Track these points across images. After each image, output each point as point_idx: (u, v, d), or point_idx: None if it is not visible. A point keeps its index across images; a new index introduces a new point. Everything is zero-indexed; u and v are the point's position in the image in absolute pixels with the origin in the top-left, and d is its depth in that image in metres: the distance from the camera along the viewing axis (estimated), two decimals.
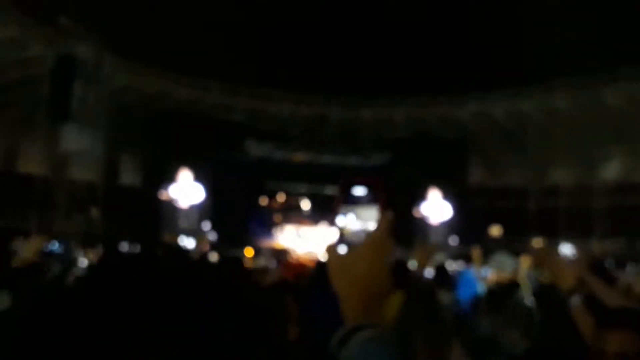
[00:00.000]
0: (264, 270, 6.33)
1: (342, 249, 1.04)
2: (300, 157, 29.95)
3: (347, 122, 31.48)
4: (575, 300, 2.36)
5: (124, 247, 11.29)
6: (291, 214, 30.48)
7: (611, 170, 27.14)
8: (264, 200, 29.52)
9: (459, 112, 29.21)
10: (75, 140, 23.33)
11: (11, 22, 23.06)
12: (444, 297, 5.84)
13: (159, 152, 26.27)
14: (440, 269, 6.36)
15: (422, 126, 30.00)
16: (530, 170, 27.75)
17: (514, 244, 22.85)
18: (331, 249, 1.05)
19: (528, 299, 7.12)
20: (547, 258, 2.62)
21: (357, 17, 32.43)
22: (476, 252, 8.21)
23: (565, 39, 23.96)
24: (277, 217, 29.88)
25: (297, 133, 30.89)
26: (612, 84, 25.12)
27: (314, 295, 4.41)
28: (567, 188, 25.73)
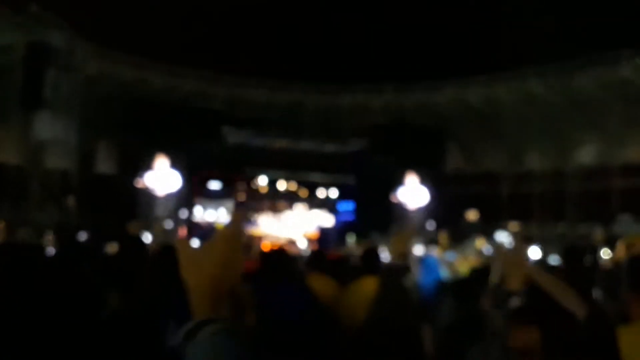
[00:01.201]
0: None
1: (195, 243, 1.05)
2: (278, 143, 29.92)
3: (325, 109, 31.50)
4: (514, 302, 2.43)
5: (82, 236, 11.20)
6: (269, 200, 30.52)
7: (585, 155, 27.46)
8: (242, 187, 29.45)
9: (435, 99, 29.34)
10: (48, 128, 23.11)
11: None
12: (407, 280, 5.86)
13: (135, 140, 26.08)
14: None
15: (399, 113, 30.10)
16: (505, 155, 28.00)
17: (489, 228, 23.15)
18: (182, 242, 1.05)
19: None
20: (498, 259, 2.69)
21: (334, 4, 32.35)
22: (442, 237, 8.28)
23: (539, 25, 24.12)
24: (256, 203, 29.89)
25: (275, 120, 30.83)
26: (586, 69, 25.35)
27: (269, 282, 4.41)
28: (542, 173, 26.03)
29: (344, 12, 31.96)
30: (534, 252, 13.51)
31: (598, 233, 20.74)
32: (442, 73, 28.44)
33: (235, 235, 1.00)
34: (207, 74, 29.79)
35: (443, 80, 28.72)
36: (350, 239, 24.70)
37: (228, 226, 1.03)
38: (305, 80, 30.56)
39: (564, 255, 5.34)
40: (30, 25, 23.29)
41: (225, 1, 31.42)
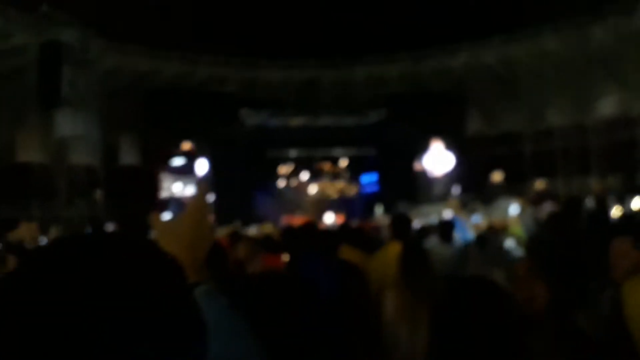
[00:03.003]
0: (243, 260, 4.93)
1: (167, 216, 1.14)
2: (296, 121, 30.00)
3: (341, 82, 31.42)
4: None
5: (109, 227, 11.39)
6: (295, 179, 30.69)
7: (605, 108, 27.10)
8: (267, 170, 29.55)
9: (450, 63, 29.10)
10: (69, 125, 23.47)
11: None
12: (446, 249, 6.04)
13: (155, 130, 26.33)
14: (444, 224, 6.55)
15: (416, 80, 29.94)
16: (525, 114, 27.77)
17: (515, 189, 23.05)
18: (156, 217, 1.13)
19: (512, 244, 7.30)
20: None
21: None
22: (453, 202, 8.44)
23: None
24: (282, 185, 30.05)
25: (292, 98, 30.87)
26: (600, 21, 24.95)
27: (300, 256, 4.49)
28: (563, 129, 25.82)
29: None
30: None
31: (593, 183, 20.70)
32: (456, 37, 28.16)
33: (201, 206, 1.10)
34: (220, 58, 29.84)
35: (457, 44, 28.44)
36: (378, 210, 24.80)
37: (194, 198, 1.12)
38: (318, 56, 30.46)
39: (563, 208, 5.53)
40: (42, 25, 23.52)
41: None
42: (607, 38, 25.79)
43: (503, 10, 26.66)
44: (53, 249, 0.75)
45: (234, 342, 1.02)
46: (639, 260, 2.65)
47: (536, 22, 25.90)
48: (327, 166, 30.17)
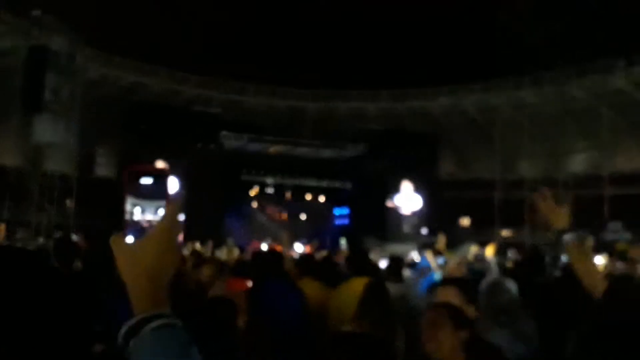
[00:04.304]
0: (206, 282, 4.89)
1: (130, 240, 1.08)
2: (275, 149, 30.18)
3: (322, 114, 31.85)
4: (568, 237, 2.53)
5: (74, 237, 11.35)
6: (268, 206, 30.86)
7: (576, 163, 27.80)
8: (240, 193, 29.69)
9: (430, 105, 29.71)
10: (48, 132, 23.37)
11: None
12: (395, 288, 5.95)
13: (134, 144, 26.28)
14: (393, 261, 6.51)
15: (395, 119, 30.49)
16: (498, 162, 28.30)
17: (482, 234, 23.39)
18: (117, 240, 1.03)
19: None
20: (540, 203, 2.80)
21: (331, 13, 32.73)
22: (441, 240, 8.47)
23: (532, 34, 24.46)
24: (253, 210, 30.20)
25: (273, 125, 31.14)
26: (578, 78, 25.71)
27: (264, 283, 4.49)
28: (534, 180, 26.28)
29: (341, 20, 32.36)
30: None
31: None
32: (437, 80, 28.83)
33: (170, 229, 1.02)
34: (206, 79, 30.15)
35: (438, 88, 29.10)
36: (342, 243, 24.96)
37: (162, 220, 1.04)
38: (302, 87, 30.94)
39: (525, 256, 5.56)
40: (31, 29, 23.62)
41: (224, 9, 31.80)
42: (584, 95, 26.58)
43: (485, 59, 27.41)
44: None
45: None
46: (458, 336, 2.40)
47: (516, 74, 26.59)
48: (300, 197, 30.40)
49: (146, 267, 0.98)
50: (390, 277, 5.71)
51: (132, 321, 0.94)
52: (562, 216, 2.60)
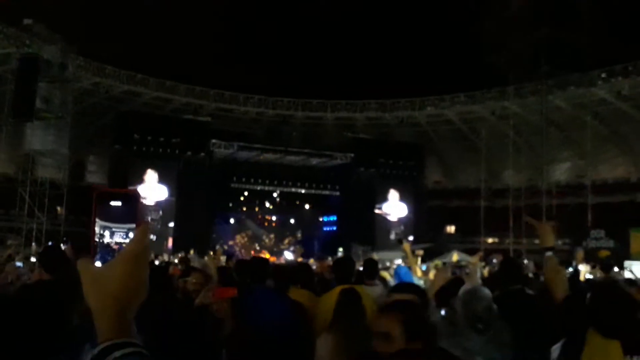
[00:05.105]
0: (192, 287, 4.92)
1: (97, 264, 1.05)
2: (264, 157, 30.47)
3: (311, 123, 32.25)
4: (549, 254, 3.16)
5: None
6: (255, 213, 31.20)
7: (560, 172, 28.24)
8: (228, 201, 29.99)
9: (416, 115, 30.15)
10: (39, 139, 23.63)
11: None
12: (371, 290, 5.95)
13: (125, 151, 26.48)
14: (368, 263, 6.64)
15: (382, 128, 30.94)
16: (483, 171, 28.63)
17: (467, 241, 23.75)
18: (84, 264, 0.99)
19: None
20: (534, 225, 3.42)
21: (320, 24, 33.18)
22: (406, 246, 8.67)
23: (516, 45, 24.85)
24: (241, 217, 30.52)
25: (262, 134, 31.47)
26: (562, 89, 26.15)
27: (250, 290, 4.45)
28: (518, 189, 26.57)
29: (330, 31, 32.80)
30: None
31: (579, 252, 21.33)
32: (424, 91, 29.32)
33: (138, 252, 0.96)
34: (196, 88, 30.48)
35: (424, 98, 29.57)
36: (341, 251, 25.26)
37: (130, 243, 0.99)
38: (292, 96, 31.36)
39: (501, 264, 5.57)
40: (24, 38, 23.88)
41: (214, 18, 32.17)
42: (566, 106, 27.05)
43: (470, 69, 27.87)
44: None
45: None
46: None
47: (500, 85, 26.96)
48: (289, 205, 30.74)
49: (112, 292, 0.93)
50: (366, 280, 5.72)
51: (96, 350, 0.89)
52: (548, 237, 3.25)
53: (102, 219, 1.09)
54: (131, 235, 1.09)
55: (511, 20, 25.23)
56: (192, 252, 12.81)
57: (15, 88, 22.84)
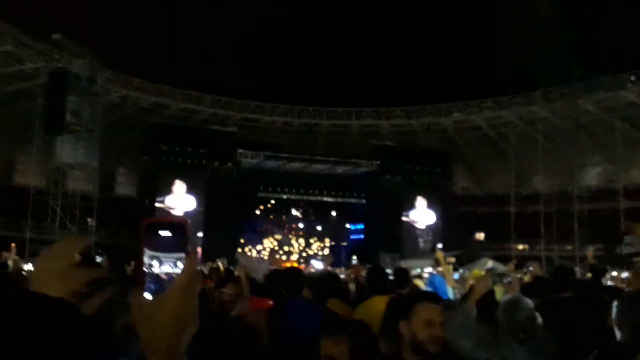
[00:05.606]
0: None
1: (148, 296, 1.03)
2: (291, 166, 30.56)
3: (336, 132, 32.25)
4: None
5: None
6: (282, 222, 31.26)
7: (590, 177, 27.84)
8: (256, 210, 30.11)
9: (442, 121, 29.97)
10: (69, 152, 23.98)
11: (6, 37, 23.61)
12: None
13: (154, 163, 26.76)
14: (399, 272, 6.55)
15: (408, 135, 30.80)
16: (512, 177, 28.36)
17: (496, 248, 23.44)
18: (135, 295, 0.99)
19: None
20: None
21: (345, 32, 33.22)
22: (439, 254, 8.53)
23: (545, 49, 24.61)
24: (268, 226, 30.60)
25: (288, 143, 31.58)
26: (591, 92, 25.80)
27: (286, 302, 4.65)
28: (548, 194, 26.21)
29: (354, 38, 32.82)
30: None
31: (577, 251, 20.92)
32: (450, 97, 29.13)
33: (189, 285, 0.96)
34: (222, 99, 30.68)
35: (451, 104, 29.38)
36: (355, 259, 25.14)
37: (181, 275, 0.98)
38: (317, 105, 31.40)
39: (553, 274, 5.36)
40: (53, 53, 24.30)
41: (239, 29, 32.39)
42: (596, 109, 26.67)
43: (496, 74, 27.64)
44: None
45: None
46: None
47: (528, 89, 26.68)
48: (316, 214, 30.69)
49: (162, 325, 0.93)
50: (398, 289, 5.63)
51: None
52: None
53: (150, 248, 1.06)
54: (180, 264, 1.04)
55: (539, 23, 24.97)
56: (219, 262, 12.81)
57: (45, 102, 23.26)
